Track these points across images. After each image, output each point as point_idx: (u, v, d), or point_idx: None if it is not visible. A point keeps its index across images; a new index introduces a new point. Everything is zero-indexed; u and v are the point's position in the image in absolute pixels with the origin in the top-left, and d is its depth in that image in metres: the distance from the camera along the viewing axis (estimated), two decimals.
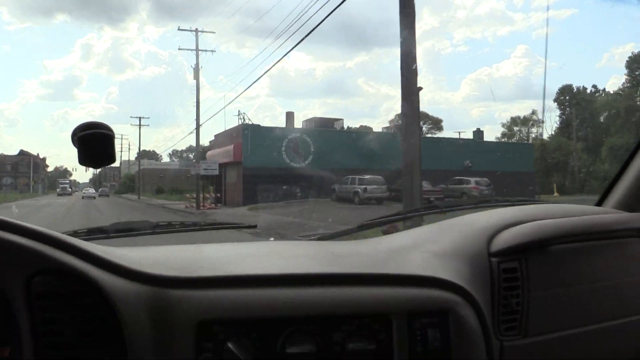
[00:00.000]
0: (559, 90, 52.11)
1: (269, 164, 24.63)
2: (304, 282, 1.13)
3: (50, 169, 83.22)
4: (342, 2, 10.72)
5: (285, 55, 22.21)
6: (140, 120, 44.95)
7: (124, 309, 1.01)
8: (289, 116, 32.64)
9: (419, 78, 9.02)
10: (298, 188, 22.65)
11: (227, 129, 30.05)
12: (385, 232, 1.71)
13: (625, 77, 48.14)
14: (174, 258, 1.25)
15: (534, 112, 52.64)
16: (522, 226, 1.37)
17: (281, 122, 35.89)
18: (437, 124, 52.09)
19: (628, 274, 1.47)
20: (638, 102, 43.69)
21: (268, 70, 36.70)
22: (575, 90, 53.01)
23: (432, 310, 1.15)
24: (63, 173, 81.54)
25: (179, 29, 23.42)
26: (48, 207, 25.85)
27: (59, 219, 17.12)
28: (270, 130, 27.85)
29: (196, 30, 24.57)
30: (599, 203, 1.86)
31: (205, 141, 29.19)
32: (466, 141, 32.05)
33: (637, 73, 46.91)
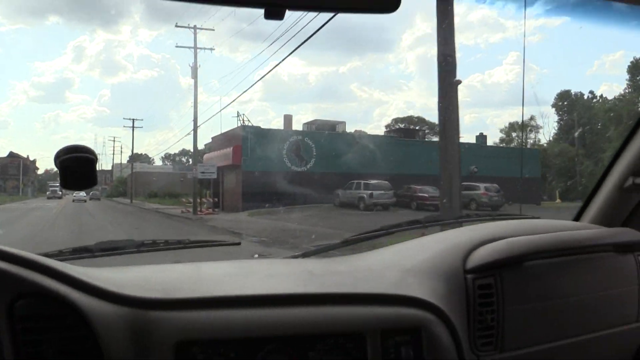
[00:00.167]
0: (557, 95, 52.06)
1: (270, 167, 23.60)
2: (280, 302, 1.16)
3: (40, 172, 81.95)
4: (336, 15, 9.85)
5: (281, 61, 21.62)
6: (133, 122, 43.87)
7: (104, 331, 1.03)
8: (287, 119, 31.64)
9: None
10: (299, 193, 21.75)
11: (225, 131, 29.06)
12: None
13: (627, 82, 47.92)
14: (154, 279, 1.25)
15: (532, 118, 52.41)
16: (497, 243, 1.42)
17: (274, 127, 34.91)
18: (433, 128, 51.67)
19: (603, 288, 1.51)
20: None
21: (264, 76, 35.71)
22: (573, 96, 52.85)
23: (405, 328, 1.18)
24: (54, 176, 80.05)
25: (176, 26, 22.28)
26: (37, 211, 24.65)
27: (47, 226, 15.96)
28: (270, 132, 26.73)
29: (194, 27, 23.59)
30: (577, 218, 1.91)
31: (199, 144, 28.00)
32: (471, 146, 31.16)
33: (638, 78, 46.64)
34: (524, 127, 54.07)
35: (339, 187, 23.58)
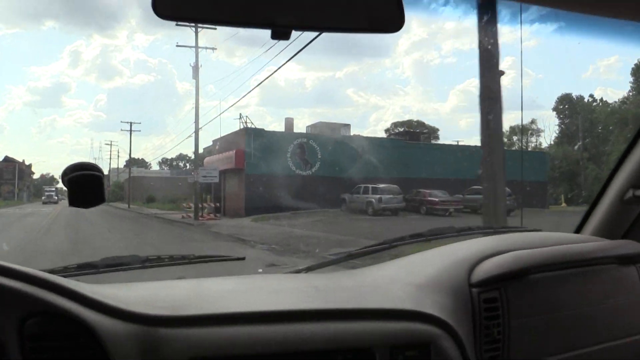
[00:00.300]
0: (557, 99, 51.78)
1: (273, 171, 22.79)
2: (288, 318, 1.16)
3: (36, 176, 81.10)
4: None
5: (280, 67, 21.13)
6: (131, 125, 43.13)
7: (115, 349, 1.03)
8: (288, 122, 30.76)
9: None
10: (304, 198, 20.99)
11: (227, 133, 28.21)
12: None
13: (630, 85, 47.56)
14: (162, 295, 1.26)
15: (533, 121, 52.08)
16: (502, 256, 1.44)
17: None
18: (433, 132, 51.26)
19: (607, 300, 1.52)
20: None
21: (262, 82, 34.95)
22: (574, 99, 52.55)
23: (414, 343, 1.18)
24: (50, 180, 79.37)
25: (176, 24, 21.60)
26: (31, 217, 23.76)
27: (42, 234, 15.08)
28: (274, 135, 25.82)
29: (195, 26, 22.74)
30: (578, 230, 1.93)
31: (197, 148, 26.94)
32: (477, 148, 30.43)
33: None
34: (525, 130, 53.85)
35: (345, 192, 22.86)
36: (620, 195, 1.80)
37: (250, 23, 0.88)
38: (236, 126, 26.99)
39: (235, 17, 0.89)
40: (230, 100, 43.09)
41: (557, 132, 52.90)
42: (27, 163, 71.84)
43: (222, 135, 28.74)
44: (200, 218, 21.86)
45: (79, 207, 1.22)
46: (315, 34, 13.62)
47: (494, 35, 7.58)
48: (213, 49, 24.13)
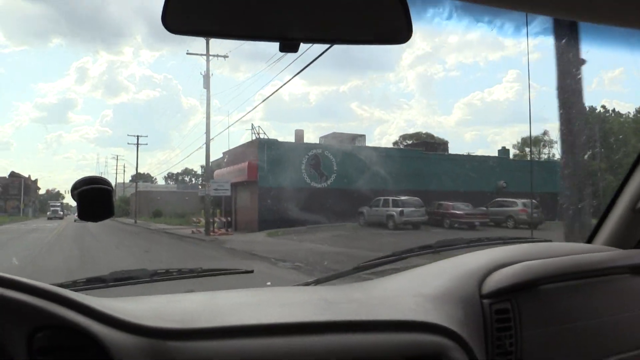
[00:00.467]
0: None
1: (287, 183, 21.78)
2: (299, 330, 1.16)
3: (42, 192, 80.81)
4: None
5: (286, 82, 20.35)
6: (138, 138, 42.52)
7: None
8: (298, 134, 29.67)
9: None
10: (320, 211, 19.97)
11: (237, 145, 27.23)
12: None
13: None
14: (172, 309, 1.26)
15: (545, 133, 51.36)
16: (512, 267, 1.42)
17: None
18: (443, 144, 50.50)
19: (620, 310, 1.51)
20: None
21: (268, 98, 34.32)
22: (588, 110, 51.96)
23: (425, 355, 1.18)
24: (55, 196, 78.99)
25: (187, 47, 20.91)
26: (35, 233, 22.81)
27: (44, 251, 14.04)
28: (288, 145, 24.71)
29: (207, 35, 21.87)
30: (589, 240, 1.91)
31: (204, 162, 25.95)
32: (499, 160, 29.32)
33: None
34: (537, 142, 53.04)
35: (362, 205, 21.81)
36: (632, 204, 1.80)
37: (259, 36, 0.90)
38: (242, 140, 26.11)
39: (245, 31, 0.90)
40: (234, 115, 42.51)
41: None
42: (33, 178, 71.80)
43: (230, 148, 27.88)
44: (211, 233, 20.81)
45: (88, 220, 1.23)
46: (321, 50, 13.10)
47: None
48: (225, 56, 23.24)
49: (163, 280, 1.63)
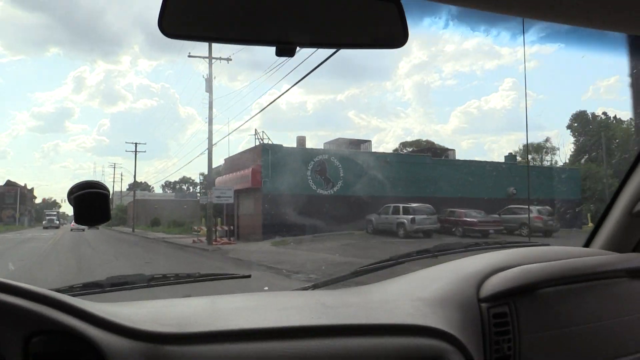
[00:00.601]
0: (572, 116, 50.97)
1: (292, 190, 21.02)
2: (296, 334, 1.15)
3: (38, 201, 79.81)
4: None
5: (285, 92, 19.58)
6: (136, 146, 41.77)
7: None
8: (300, 141, 28.87)
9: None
10: (326, 218, 19.20)
11: (239, 152, 26.43)
12: None
13: None
14: (168, 313, 1.24)
15: (547, 140, 50.98)
16: (510, 271, 1.43)
17: None
18: (449, 152, 50.04)
19: (618, 314, 1.50)
20: None
21: (266, 107, 33.67)
22: (589, 116, 51.62)
23: (424, 359, 1.18)
24: (51, 205, 78.04)
25: (189, 55, 20.12)
26: (30, 242, 21.94)
27: (40, 261, 13.20)
28: (293, 151, 23.89)
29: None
30: (587, 243, 1.90)
31: (204, 169, 25.07)
32: (508, 165, 28.58)
33: None
34: (540, 149, 52.58)
35: (369, 212, 21.02)
36: (629, 208, 1.79)
37: (256, 41, 0.91)
38: (241, 148, 25.35)
39: (241, 35, 0.90)
40: (232, 124, 42.00)
41: (573, 149, 51.92)
42: (29, 187, 70.94)
43: (229, 155, 27.09)
44: (214, 242, 19.97)
45: (84, 224, 1.22)
46: (320, 60, 12.68)
47: None
48: (228, 59, 22.54)
49: (160, 285, 1.62)
